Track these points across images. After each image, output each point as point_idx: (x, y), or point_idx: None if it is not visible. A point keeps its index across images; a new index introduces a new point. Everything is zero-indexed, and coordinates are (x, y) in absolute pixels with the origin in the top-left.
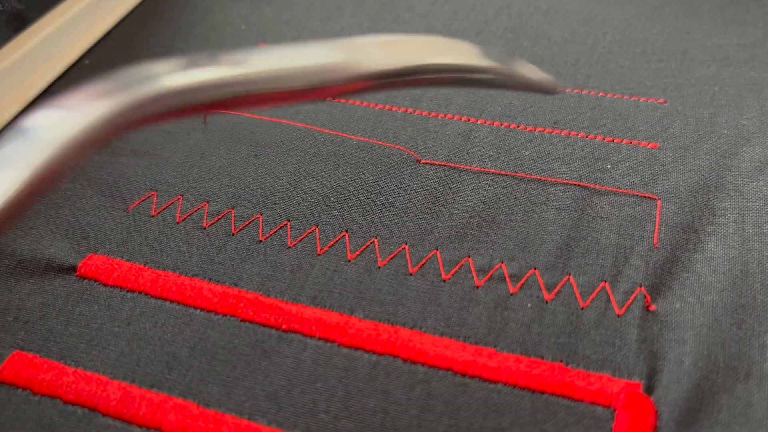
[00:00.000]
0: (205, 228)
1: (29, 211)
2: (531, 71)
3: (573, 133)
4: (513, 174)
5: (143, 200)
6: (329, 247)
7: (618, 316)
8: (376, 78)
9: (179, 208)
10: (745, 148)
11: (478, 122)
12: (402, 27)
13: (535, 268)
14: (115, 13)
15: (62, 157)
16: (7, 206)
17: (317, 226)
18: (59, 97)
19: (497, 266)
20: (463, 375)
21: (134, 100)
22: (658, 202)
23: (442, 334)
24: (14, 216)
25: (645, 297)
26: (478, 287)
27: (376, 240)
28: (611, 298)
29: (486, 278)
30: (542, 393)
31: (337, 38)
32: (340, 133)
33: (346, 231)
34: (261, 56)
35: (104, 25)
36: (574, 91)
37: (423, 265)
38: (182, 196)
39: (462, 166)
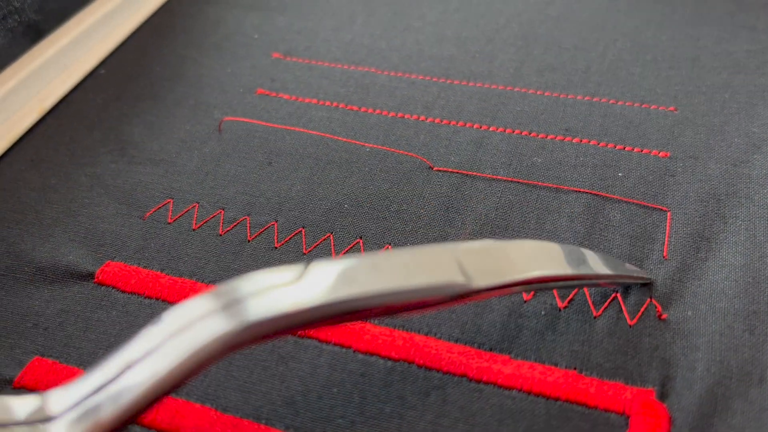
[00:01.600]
0: (221, 235)
1: (135, 420)
2: (627, 270)
3: (584, 140)
4: (525, 181)
5: (159, 208)
6: (343, 253)
7: (630, 325)
8: (482, 293)
9: (195, 216)
10: (756, 156)
11: (490, 129)
12: (413, 36)
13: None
14: (130, 24)
15: (174, 378)
16: (120, 417)
17: (331, 232)
18: (177, 308)
19: None
20: (478, 381)
21: (243, 326)
22: (668, 213)
23: (456, 341)
24: (129, 420)
25: (656, 307)
26: None
27: (390, 246)
28: (623, 307)
29: None
30: (557, 399)
31: (438, 245)
32: (353, 141)
33: (360, 237)
34: (371, 273)
35: (119, 36)
36: (585, 99)
37: None
38: (198, 203)
39: (474, 173)
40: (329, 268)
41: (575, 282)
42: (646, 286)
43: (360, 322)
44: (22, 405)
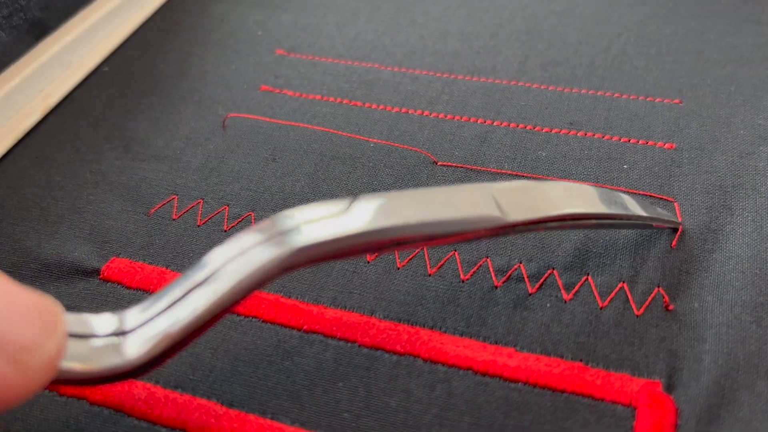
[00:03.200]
0: (225, 231)
1: (201, 334)
2: (658, 213)
3: (589, 133)
4: (530, 175)
5: (164, 204)
6: None
7: (637, 316)
8: (517, 226)
9: (200, 212)
10: (761, 148)
11: (494, 124)
12: (417, 31)
13: (554, 269)
14: (133, 21)
15: (234, 295)
16: (187, 328)
17: None
18: (238, 236)
19: (516, 266)
20: (484, 374)
21: (295, 250)
22: (675, 203)
23: (462, 334)
24: (191, 337)
25: (663, 297)
26: (496, 287)
27: None
28: (630, 298)
29: (504, 278)
30: (562, 392)
31: (482, 186)
32: (357, 136)
33: None
34: (412, 206)
35: (123, 33)
36: (590, 93)
37: (442, 265)
38: (202, 199)
39: (479, 168)
40: (374, 201)
41: (608, 221)
42: (658, 269)
43: (395, 251)
44: (99, 321)
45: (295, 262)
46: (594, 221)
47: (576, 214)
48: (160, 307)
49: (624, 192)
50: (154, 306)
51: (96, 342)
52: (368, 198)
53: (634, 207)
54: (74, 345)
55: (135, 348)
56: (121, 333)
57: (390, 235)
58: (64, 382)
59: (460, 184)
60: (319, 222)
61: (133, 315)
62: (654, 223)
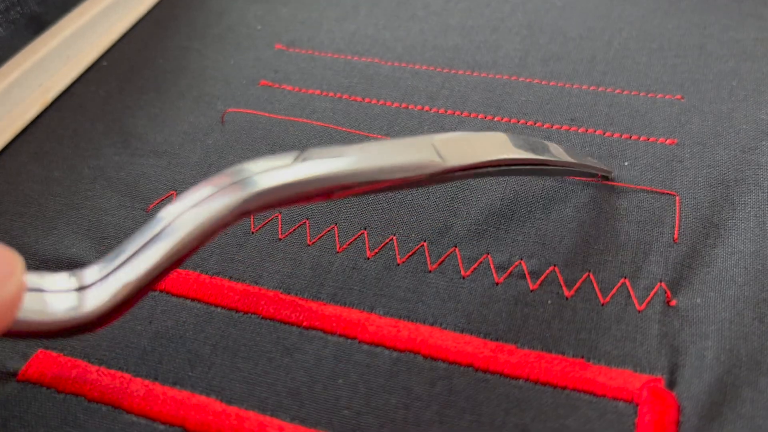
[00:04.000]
0: None
1: (158, 283)
2: (589, 161)
3: (590, 130)
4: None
5: (163, 200)
6: (348, 244)
7: (638, 311)
8: (456, 171)
9: None
10: (764, 142)
11: (495, 119)
12: (417, 26)
13: (555, 265)
14: (132, 15)
15: (191, 242)
16: (145, 278)
17: (336, 224)
18: (190, 190)
19: (516, 263)
20: (485, 371)
21: (251, 195)
22: (677, 197)
23: (462, 331)
24: (149, 286)
25: (665, 292)
26: (497, 284)
27: (394, 237)
28: (631, 293)
29: (505, 275)
30: (564, 388)
31: (422, 136)
32: (357, 131)
33: (365, 229)
34: (358, 154)
35: (121, 27)
36: (591, 88)
37: (442, 262)
38: None
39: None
40: (323, 151)
41: (541, 167)
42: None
43: (352, 196)
44: (58, 278)
45: (251, 207)
46: (528, 167)
47: (510, 160)
48: (117, 262)
49: (560, 145)
50: (111, 262)
51: (54, 296)
52: (317, 149)
53: (565, 155)
54: (32, 298)
55: (92, 301)
56: (79, 288)
57: (338, 180)
58: (21, 335)
59: (404, 137)
60: (271, 171)
61: (91, 272)
62: (586, 171)
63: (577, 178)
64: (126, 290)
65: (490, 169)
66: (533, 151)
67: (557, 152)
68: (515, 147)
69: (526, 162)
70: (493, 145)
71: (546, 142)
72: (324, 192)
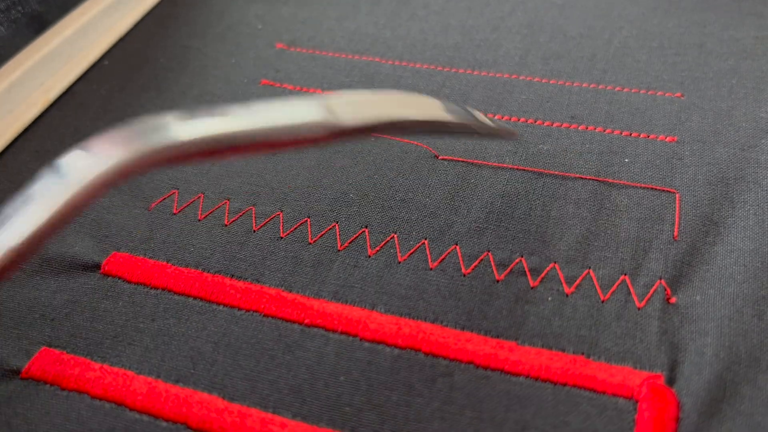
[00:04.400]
0: (226, 225)
1: (51, 240)
2: (489, 121)
3: (590, 127)
4: (531, 169)
5: (165, 198)
6: (349, 242)
7: (638, 308)
8: (351, 131)
9: (200, 206)
10: (763, 140)
11: (495, 117)
12: (417, 24)
13: (555, 262)
14: (133, 15)
15: (84, 195)
16: (33, 236)
17: (337, 222)
18: (87, 142)
19: (517, 260)
20: (485, 368)
21: (146, 149)
22: (677, 195)
23: (463, 328)
24: (39, 244)
25: (665, 289)
26: (498, 281)
27: (395, 235)
28: (631, 290)
29: (506, 272)
30: (564, 385)
31: (316, 96)
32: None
33: (366, 227)
34: (255, 112)
35: (122, 27)
36: (591, 86)
37: (443, 259)
38: (203, 193)
39: (480, 162)
40: (212, 110)
41: (434, 127)
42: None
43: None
44: None
45: (135, 168)
46: (426, 127)
47: (406, 120)
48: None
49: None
50: None
51: None
52: (203, 108)
53: (468, 116)
54: None
55: None
56: None
57: (231, 140)
58: None
59: (298, 96)
60: (160, 131)
61: None
62: (489, 132)
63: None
64: (9, 256)
65: (385, 128)
66: (430, 109)
67: (458, 112)
68: (411, 106)
69: (422, 122)
70: (390, 105)
71: (449, 102)
72: (209, 152)
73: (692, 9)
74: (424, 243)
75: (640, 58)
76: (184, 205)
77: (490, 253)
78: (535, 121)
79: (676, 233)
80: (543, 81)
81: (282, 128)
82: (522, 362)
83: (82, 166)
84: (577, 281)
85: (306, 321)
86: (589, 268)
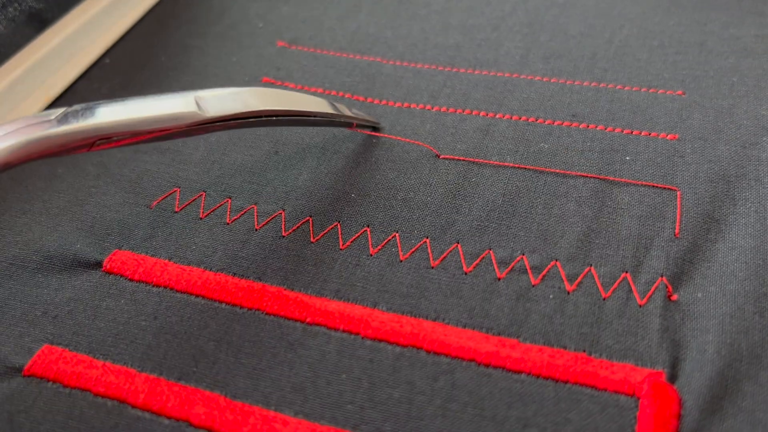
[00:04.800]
0: (228, 223)
1: None
2: (354, 112)
3: (591, 125)
4: (532, 167)
5: (166, 196)
6: (351, 241)
7: (640, 306)
8: (216, 122)
9: (202, 204)
10: (765, 138)
11: (497, 116)
12: (418, 24)
13: (557, 260)
14: (135, 13)
15: None
16: None
17: (339, 221)
18: None
19: (518, 258)
20: (487, 365)
21: (14, 147)
22: (678, 192)
23: (465, 326)
24: None
25: (666, 287)
26: (499, 279)
27: (397, 234)
28: (633, 288)
29: (507, 270)
30: (566, 382)
31: (186, 90)
32: (359, 130)
33: (368, 226)
34: (121, 107)
35: (124, 25)
36: (592, 85)
37: (444, 258)
38: (205, 192)
39: (481, 161)
40: (86, 105)
41: (303, 118)
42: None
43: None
44: None
45: (12, 159)
46: (289, 118)
47: (270, 111)
48: None
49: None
50: None
51: None
52: (81, 104)
53: (329, 107)
54: None
55: None
56: None
57: (99, 131)
58: None
59: (168, 93)
60: (36, 125)
61: None
62: (349, 121)
63: (347, 128)
64: None
65: (251, 119)
66: (297, 104)
67: (322, 105)
68: (276, 99)
69: (286, 113)
70: (255, 98)
71: (321, 99)
72: (86, 143)
73: (693, 7)
74: (425, 241)
75: (641, 56)
76: (186, 203)
77: (491, 251)
78: (537, 120)
79: (677, 231)
80: (544, 80)
81: (152, 119)
82: (523, 360)
83: None
84: (579, 279)
85: (308, 319)
86: (591, 265)
